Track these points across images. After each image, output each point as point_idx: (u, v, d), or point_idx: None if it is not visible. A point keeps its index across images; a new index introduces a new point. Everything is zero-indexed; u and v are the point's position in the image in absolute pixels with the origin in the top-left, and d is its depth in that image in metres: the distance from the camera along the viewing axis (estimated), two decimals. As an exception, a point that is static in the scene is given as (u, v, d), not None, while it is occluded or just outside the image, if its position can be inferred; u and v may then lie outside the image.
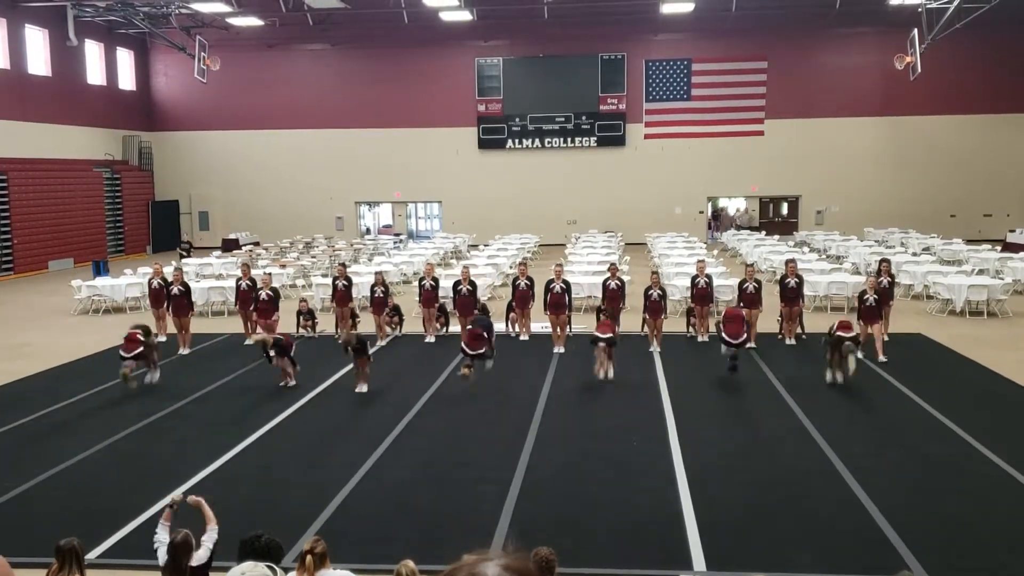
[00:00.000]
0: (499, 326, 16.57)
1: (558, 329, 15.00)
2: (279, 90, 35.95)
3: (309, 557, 5.04)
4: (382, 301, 15.79)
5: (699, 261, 16.63)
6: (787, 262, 16.07)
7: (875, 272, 16.04)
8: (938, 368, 13.43)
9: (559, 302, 14.92)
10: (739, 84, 34.85)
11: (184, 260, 24.26)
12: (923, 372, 12.97)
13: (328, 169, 36.38)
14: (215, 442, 9.95)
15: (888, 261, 16.14)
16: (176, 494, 5.84)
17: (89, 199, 31.62)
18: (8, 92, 28.47)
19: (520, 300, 15.79)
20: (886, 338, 15.15)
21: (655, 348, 14.59)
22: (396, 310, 16.45)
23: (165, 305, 15.84)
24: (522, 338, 15.82)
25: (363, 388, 12.18)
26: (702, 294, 15.34)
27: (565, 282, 15.19)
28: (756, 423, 10.58)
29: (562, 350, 14.66)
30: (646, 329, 15.04)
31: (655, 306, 14.67)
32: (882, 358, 13.49)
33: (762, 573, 6.67)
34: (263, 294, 14.91)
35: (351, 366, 12.69)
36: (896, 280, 16.32)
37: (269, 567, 4.90)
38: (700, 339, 15.41)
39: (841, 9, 30.42)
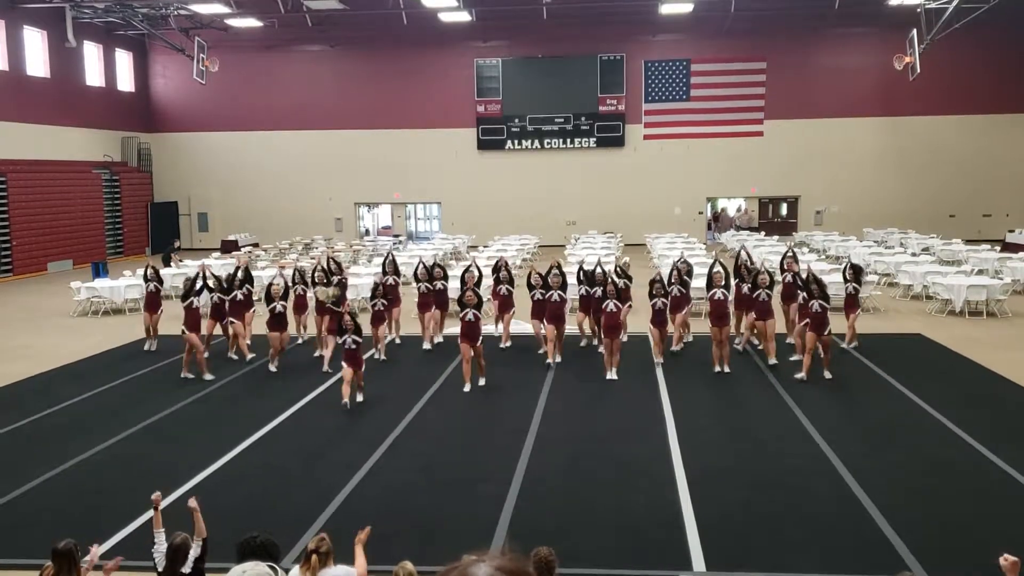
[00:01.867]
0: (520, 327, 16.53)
1: (554, 341, 13.69)
2: (278, 91, 35.94)
3: (315, 557, 5.03)
4: (381, 314, 14.37)
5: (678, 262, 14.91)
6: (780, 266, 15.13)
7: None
8: (937, 368, 13.43)
9: (558, 313, 13.76)
10: (738, 85, 34.85)
11: (174, 267, 23.63)
12: (922, 372, 12.96)
13: (327, 170, 36.37)
14: (215, 443, 9.94)
15: (857, 268, 14.57)
16: (156, 494, 5.73)
17: (88, 200, 31.60)
18: (7, 93, 28.45)
19: (503, 305, 15.17)
20: (855, 343, 14.38)
21: (658, 360, 13.58)
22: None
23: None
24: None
25: (359, 398, 11.58)
26: (676, 303, 13.93)
27: (564, 286, 13.93)
28: (755, 424, 10.58)
29: (559, 359, 13.74)
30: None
31: (659, 317, 13.36)
32: (828, 374, 12.53)
33: (762, 573, 6.67)
34: (238, 295, 14.35)
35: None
36: (859, 289, 14.37)
37: (270, 567, 4.90)
38: (675, 348, 14.26)
39: (840, 9, 30.42)
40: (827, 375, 12.52)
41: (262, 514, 7.85)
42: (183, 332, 13.15)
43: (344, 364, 11.48)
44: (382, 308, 14.36)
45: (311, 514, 7.80)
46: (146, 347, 15.41)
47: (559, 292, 13.80)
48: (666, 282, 13.86)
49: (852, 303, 14.19)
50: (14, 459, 9.61)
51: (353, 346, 11.34)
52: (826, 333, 12.45)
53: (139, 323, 17.66)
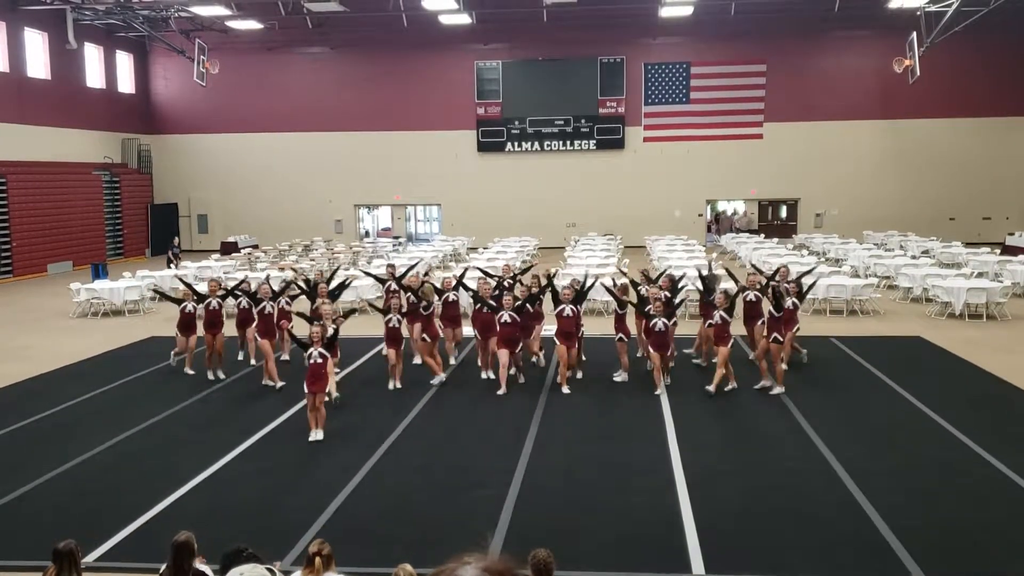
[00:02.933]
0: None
1: (567, 366, 12.22)
2: (278, 93, 35.98)
3: (318, 559, 5.03)
4: (396, 333, 12.44)
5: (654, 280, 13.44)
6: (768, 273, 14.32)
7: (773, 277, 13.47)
8: (937, 371, 13.43)
9: (570, 330, 12.12)
10: (738, 87, 34.88)
11: (173, 268, 23.66)
12: (922, 375, 12.96)
13: (327, 172, 36.40)
14: (214, 445, 9.94)
15: (800, 283, 13.40)
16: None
17: (88, 202, 31.61)
18: (7, 95, 28.48)
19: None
20: (803, 359, 13.48)
21: (658, 391, 11.92)
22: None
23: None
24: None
25: (319, 435, 10.10)
26: (659, 340, 11.93)
27: (578, 299, 12.47)
28: (755, 426, 10.58)
29: (567, 389, 12.12)
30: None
31: (660, 338, 11.97)
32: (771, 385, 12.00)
33: (761, 576, 6.67)
34: (213, 302, 13.28)
35: (344, 372, 12.66)
36: (799, 305, 12.80)
37: (269, 569, 4.90)
38: (656, 391, 11.90)
39: (840, 12, 30.46)
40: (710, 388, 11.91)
41: (260, 516, 7.86)
42: (256, 338, 12.98)
43: (305, 386, 10.03)
44: (396, 325, 12.35)
45: (311, 515, 7.79)
46: (176, 364, 13.94)
47: (572, 307, 12.12)
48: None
49: (791, 317, 12.40)
50: (14, 460, 9.61)
51: (320, 360, 9.95)
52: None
53: (138, 324, 17.71)
